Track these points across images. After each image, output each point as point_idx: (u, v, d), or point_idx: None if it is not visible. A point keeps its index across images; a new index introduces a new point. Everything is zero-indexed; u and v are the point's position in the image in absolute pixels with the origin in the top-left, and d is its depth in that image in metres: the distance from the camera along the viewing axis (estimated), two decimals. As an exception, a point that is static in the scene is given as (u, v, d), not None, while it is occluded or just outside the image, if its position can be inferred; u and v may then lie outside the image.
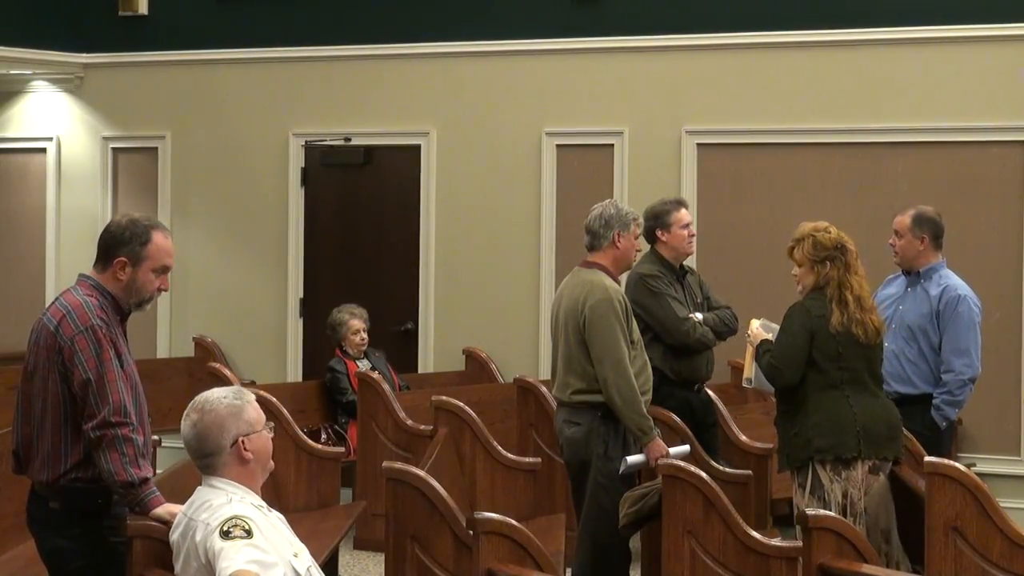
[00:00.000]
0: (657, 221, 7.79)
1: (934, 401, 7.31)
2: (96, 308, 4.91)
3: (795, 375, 6.43)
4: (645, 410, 6.75)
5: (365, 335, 9.78)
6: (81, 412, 4.86)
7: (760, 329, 6.75)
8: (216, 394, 4.52)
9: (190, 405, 4.51)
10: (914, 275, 7.50)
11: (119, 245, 4.99)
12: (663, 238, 7.82)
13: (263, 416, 4.57)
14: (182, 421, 4.50)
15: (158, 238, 5.01)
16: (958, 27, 9.35)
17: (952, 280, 7.47)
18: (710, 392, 8.08)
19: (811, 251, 6.44)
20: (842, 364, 6.41)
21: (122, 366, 4.92)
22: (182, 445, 4.50)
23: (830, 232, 6.47)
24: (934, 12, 9.42)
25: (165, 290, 5.11)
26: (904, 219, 7.55)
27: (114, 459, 4.79)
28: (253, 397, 4.60)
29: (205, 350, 10.88)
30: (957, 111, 9.39)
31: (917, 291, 7.45)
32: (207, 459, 4.46)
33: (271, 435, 4.58)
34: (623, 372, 6.67)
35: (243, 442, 4.46)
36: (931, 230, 7.51)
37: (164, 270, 5.04)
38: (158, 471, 6.53)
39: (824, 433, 6.37)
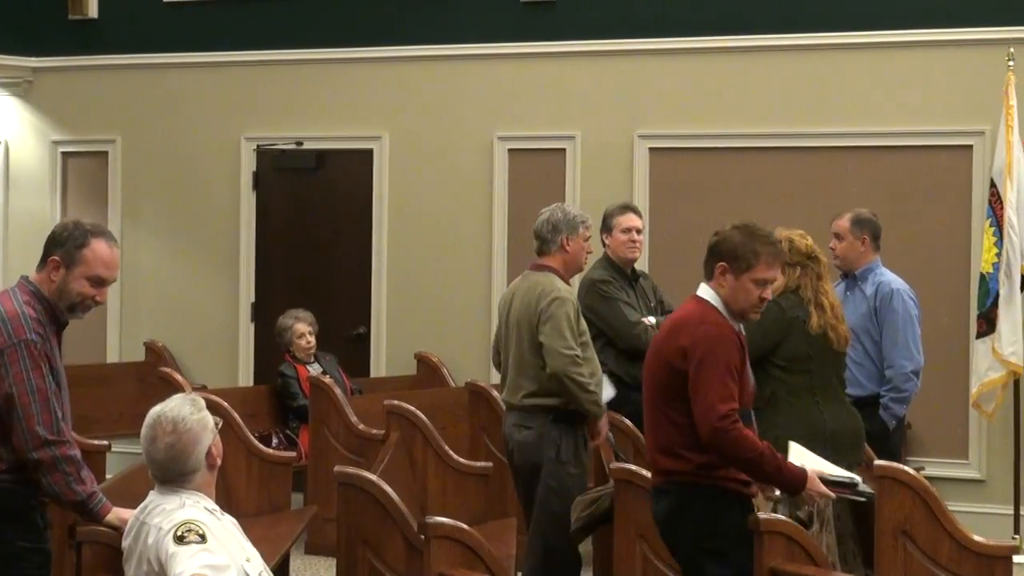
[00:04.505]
0: (603, 224, 7.84)
1: (882, 400, 7.37)
2: (33, 321, 4.78)
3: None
4: (597, 398, 6.79)
5: (312, 339, 9.78)
6: (6, 426, 4.73)
7: None
8: (180, 410, 4.43)
9: (153, 423, 4.41)
10: (851, 278, 7.57)
11: (56, 245, 4.87)
12: (606, 241, 7.89)
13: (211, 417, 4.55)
14: (148, 441, 4.40)
15: (97, 245, 4.84)
16: (908, 32, 9.40)
17: (886, 276, 7.57)
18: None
19: (786, 254, 6.49)
20: (811, 367, 6.45)
21: (56, 380, 4.82)
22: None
23: (806, 239, 6.57)
24: (885, 17, 9.46)
25: (100, 302, 4.93)
26: (843, 222, 7.64)
27: (58, 481, 4.73)
28: (203, 402, 4.58)
29: (156, 354, 10.81)
30: (907, 115, 9.44)
31: (856, 293, 7.52)
32: (185, 477, 4.41)
33: None
34: (573, 360, 6.68)
35: (213, 451, 4.46)
36: (871, 230, 7.62)
37: (99, 281, 4.86)
38: (108, 476, 6.51)
39: (792, 436, 6.38)
